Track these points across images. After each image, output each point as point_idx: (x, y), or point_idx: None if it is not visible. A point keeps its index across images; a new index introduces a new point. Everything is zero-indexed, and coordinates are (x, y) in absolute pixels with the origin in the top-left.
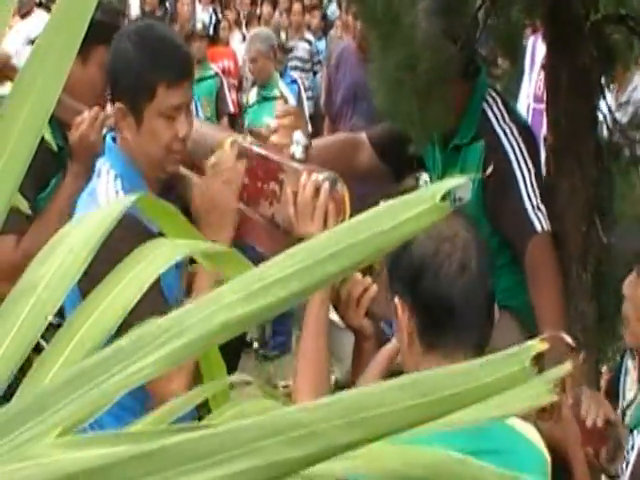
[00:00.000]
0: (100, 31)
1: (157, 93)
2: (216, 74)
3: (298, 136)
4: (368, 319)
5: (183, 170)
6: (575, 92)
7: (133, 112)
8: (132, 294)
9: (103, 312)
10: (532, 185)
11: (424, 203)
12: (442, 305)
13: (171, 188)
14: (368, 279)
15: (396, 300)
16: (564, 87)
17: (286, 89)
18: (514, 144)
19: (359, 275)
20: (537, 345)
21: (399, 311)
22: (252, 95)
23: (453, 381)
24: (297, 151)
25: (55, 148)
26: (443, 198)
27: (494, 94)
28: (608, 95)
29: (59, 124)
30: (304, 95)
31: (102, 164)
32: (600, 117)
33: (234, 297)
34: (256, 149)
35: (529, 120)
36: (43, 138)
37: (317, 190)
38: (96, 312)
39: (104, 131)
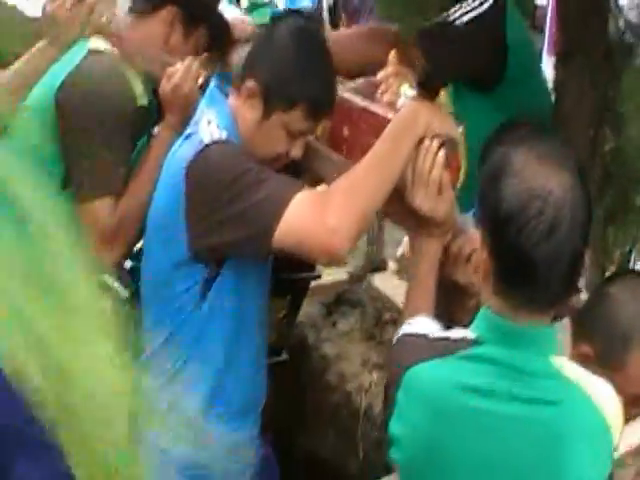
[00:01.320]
0: (205, 12)
1: (293, 111)
2: None
3: (406, 89)
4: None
5: (314, 142)
6: None
7: (264, 102)
8: None
9: None
10: None
11: None
12: (520, 264)
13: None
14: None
15: (478, 233)
16: None
17: None
18: None
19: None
20: None
21: (479, 246)
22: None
23: None
24: (406, 104)
25: (146, 104)
26: None
27: None
28: None
29: (150, 80)
30: None
31: (204, 112)
32: (611, 17)
33: None
34: (359, 101)
35: None
36: (136, 96)
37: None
38: None
39: (199, 81)
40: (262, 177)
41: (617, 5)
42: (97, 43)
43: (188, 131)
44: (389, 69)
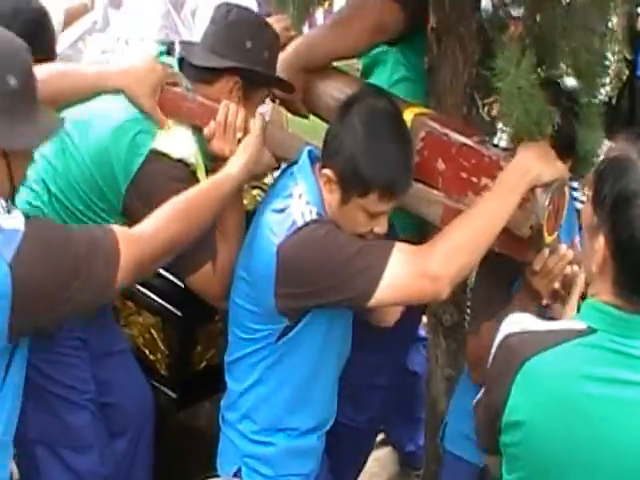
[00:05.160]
0: (265, 79)
1: (369, 196)
2: None
3: (500, 125)
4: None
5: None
6: None
7: (341, 189)
8: None
9: None
10: None
11: None
12: (633, 254)
13: None
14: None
15: (595, 220)
16: None
17: None
18: None
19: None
20: None
21: (595, 237)
22: None
23: None
24: (502, 139)
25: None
26: None
27: None
28: None
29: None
30: None
31: (293, 185)
32: None
33: None
34: (456, 136)
35: None
36: (196, 165)
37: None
38: None
39: (238, 136)
40: (355, 249)
41: None
42: (157, 141)
43: (279, 205)
44: None
